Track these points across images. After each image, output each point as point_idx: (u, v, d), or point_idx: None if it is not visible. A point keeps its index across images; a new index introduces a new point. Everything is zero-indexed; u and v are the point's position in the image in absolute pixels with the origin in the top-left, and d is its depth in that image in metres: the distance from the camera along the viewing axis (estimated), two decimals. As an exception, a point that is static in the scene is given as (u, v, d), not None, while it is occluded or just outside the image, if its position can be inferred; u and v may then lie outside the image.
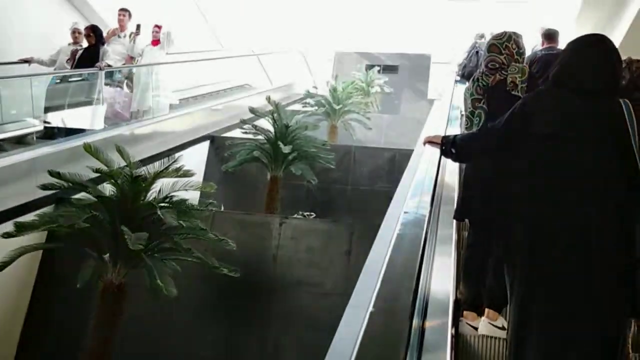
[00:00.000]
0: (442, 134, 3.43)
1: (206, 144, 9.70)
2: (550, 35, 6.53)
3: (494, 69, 3.54)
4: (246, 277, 5.07)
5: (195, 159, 10.03)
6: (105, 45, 8.59)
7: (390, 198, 2.86)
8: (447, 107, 7.68)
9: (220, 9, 16.94)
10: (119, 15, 8.97)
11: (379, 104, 14.54)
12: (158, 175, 4.48)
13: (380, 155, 9.45)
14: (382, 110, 14.64)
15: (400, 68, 16.43)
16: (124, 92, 8.89)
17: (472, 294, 3.24)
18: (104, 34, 8.82)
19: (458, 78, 9.58)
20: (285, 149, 7.00)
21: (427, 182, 3.07)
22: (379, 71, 15.17)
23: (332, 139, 11.02)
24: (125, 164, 4.86)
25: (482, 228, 3.28)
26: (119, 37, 8.93)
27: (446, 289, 2.47)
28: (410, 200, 2.73)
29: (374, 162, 9.19)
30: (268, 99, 7.83)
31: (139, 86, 8.77)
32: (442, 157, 3.10)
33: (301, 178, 7.73)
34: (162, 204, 4.46)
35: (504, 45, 3.55)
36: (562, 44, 6.51)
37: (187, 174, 4.54)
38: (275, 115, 7.49)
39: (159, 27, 8.82)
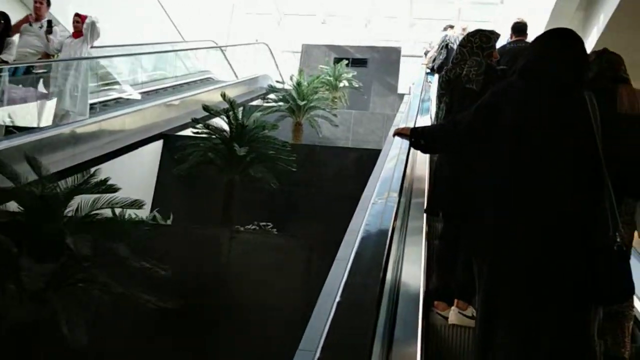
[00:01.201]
0: (412, 126, 3.60)
1: (159, 144, 8.94)
2: (518, 28, 6.49)
3: (455, 63, 3.61)
4: (190, 302, 4.40)
5: (146, 160, 9.33)
6: (15, 37, 7.25)
7: (357, 201, 2.89)
8: (417, 100, 7.41)
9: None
10: (35, 2, 7.51)
11: (347, 99, 13.96)
12: (73, 192, 3.74)
13: (347, 155, 8.86)
14: (351, 105, 14.06)
15: (369, 61, 15.81)
16: (39, 93, 7.49)
17: (443, 285, 3.25)
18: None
19: (428, 71, 9.32)
20: (241, 151, 6.35)
21: (396, 175, 3.12)
22: (347, 65, 14.55)
23: (296, 137, 10.38)
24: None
25: (452, 221, 3.30)
26: (31, 26, 7.37)
27: (417, 279, 2.52)
28: (378, 192, 2.80)
29: (340, 163, 8.58)
30: (223, 95, 7.14)
31: (59, 85, 7.33)
32: (412, 148, 3.13)
33: (262, 180, 7.10)
34: (85, 224, 3.73)
35: (468, 39, 3.64)
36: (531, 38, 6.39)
37: (111, 188, 3.83)
38: (231, 113, 6.79)
39: (81, 16, 7.46)
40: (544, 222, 2.14)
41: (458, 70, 3.55)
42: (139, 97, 10.26)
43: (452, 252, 3.22)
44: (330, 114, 10.54)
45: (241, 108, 12.29)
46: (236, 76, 16.86)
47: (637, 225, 2.98)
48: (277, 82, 11.78)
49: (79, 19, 7.42)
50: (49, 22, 7.41)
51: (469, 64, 3.47)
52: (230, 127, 6.95)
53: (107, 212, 4.09)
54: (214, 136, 7.02)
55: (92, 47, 7.62)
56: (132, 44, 11.74)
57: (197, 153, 7.02)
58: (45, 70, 7.43)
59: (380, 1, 19.88)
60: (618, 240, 2.11)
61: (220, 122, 7.98)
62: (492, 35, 3.72)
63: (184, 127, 9.35)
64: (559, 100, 2.29)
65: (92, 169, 4.25)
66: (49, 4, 7.58)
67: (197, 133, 7.18)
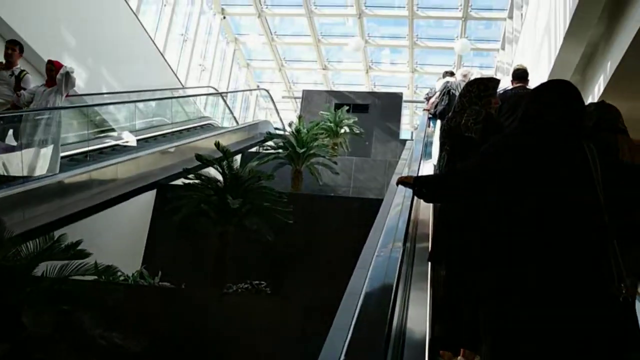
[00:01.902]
0: (416, 174, 3.66)
1: (153, 193, 8.64)
2: (519, 75, 6.49)
3: (456, 112, 3.66)
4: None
5: (140, 210, 9.02)
6: None
7: (358, 253, 2.85)
8: (419, 145, 7.27)
9: (182, 47, 16.09)
10: (7, 49, 7.00)
11: (348, 145, 13.71)
12: (37, 259, 3.39)
13: (347, 205, 8.54)
14: (352, 151, 13.81)
15: (370, 107, 15.63)
16: (5, 145, 6.81)
17: (448, 333, 3.19)
18: None
19: (430, 116, 9.24)
20: (235, 203, 6.03)
21: (400, 224, 3.07)
22: (348, 110, 14.38)
23: (295, 186, 10.08)
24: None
25: (455, 269, 3.26)
26: (2, 73, 6.91)
27: (422, 327, 2.48)
28: (382, 242, 2.76)
29: (340, 213, 8.25)
30: (217, 144, 6.85)
31: (28, 138, 6.68)
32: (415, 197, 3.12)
33: (257, 233, 6.76)
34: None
35: (467, 89, 3.69)
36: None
37: (82, 254, 3.49)
38: (224, 163, 6.50)
39: (55, 64, 6.92)
40: (552, 271, 2.10)
41: (458, 119, 3.57)
42: (135, 144, 10.06)
43: (457, 299, 3.16)
44: (331, 161, 10.26)
45: (239, 155, 12.16)
46: (237, 122, 16.78)
47: None
48: (276, 129, 11.54)
49: (52, 67, 6.92)
50: (18, 75, 6.95)
51: (468, 113, 3.47)
52: (224, 178, 6.65)
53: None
54: (208, 186, 6.70)
55: (67, 96, 7.14)
56: (131, 90, 11.60)
57: (190, 204, 6.70)
58: (15, 121, 6.85)
59: (381, 47, 19.92)
60: (624, 291, 2.07)
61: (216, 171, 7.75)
62: (490, 83, 3.77)
63: (180, 175, 9.07)
64: (558, 150, 2.29)
65: (57, 234, 3.89)
66: (21, 51, 7.12)
67: (189, 183, 6.88)
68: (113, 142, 9.58)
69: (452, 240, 3.21)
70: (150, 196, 8.67)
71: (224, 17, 17.84)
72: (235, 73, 20.65)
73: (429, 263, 3.31)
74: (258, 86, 21.93)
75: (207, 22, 17.80)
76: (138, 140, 10.21)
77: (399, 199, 3.67)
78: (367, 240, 3.28)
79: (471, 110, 3.49)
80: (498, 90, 7.65)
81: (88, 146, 7.86)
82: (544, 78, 9.01)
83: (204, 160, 6.81)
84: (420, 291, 2.88)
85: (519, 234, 2.18)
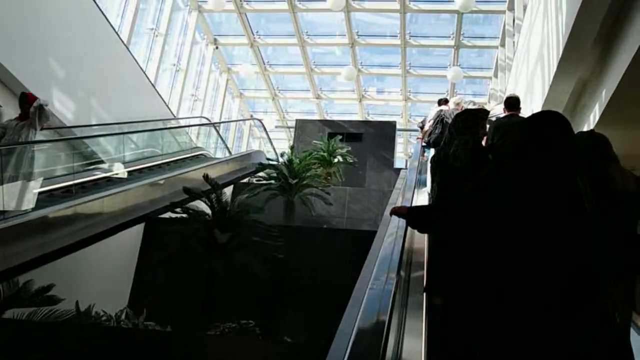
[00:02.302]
0: (409, 204, 3.72)
1: (141, 227, 8.42)
2: (510, 103, 6.46)
3: (446, 144, 3.69)
4: None
5: (127, 244, 8.78)
6: None
7: (351, 288, 2.79)
8: (413, 174, 7.23)
9: (174, 77, 16.02)
10: None
11: (342, 175, 13.55)
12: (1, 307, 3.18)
13: (340, 238, 8.33)
14: (346, 180, 13.64)
15: (364, 136, 15.54)
16: None
17: None
18: None
19: (424, 144, 9.13)
20: (222, 238, 5.83)
21: (394, 255, 3.02)
22: (341, 139, 14.27)
23: (287, 217, 9.88)
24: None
25: (449, 299, 3.21)
26: None
27: (417, 356, 2.47)
28: (376, 275, 2.70)
29: (333, 246, 8.03)
30: (205, 177, 6.67)
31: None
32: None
33: (247, 267, 6.54)
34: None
35: (456, 119, 3.75)
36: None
37: (51, 300, 3.27)
38: (213, 196, 6.31)
39: (28, 97, 6.68)
40: (546, 304, 2.08)
41: (447, 150, 3.61)
42: (125, 175, 9.86)
43: (453, 329, 3.09)
44: (324, 192, 10.07)
45: (231, 187, 11.97)
46: (229, 152, 16.64)
47: (636, 302, 2.93)
48: (269, 159, 11.37)
49: (25, 100, 6.67)
50: None
51: (456, 143, 3.49)
52: (212, 211, 6.45)
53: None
54: (196, 220, 6.49)
55: (41, 129, 6.87)
56: (121, 122, 11.44)
57: (177, 238, 6.49)
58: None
59: (374, 76, 19.93)
60: (617, 320, 2.09)
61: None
62: (479, 113, 3.89)
63: (168, 208, 8.86)
64: (549, 181, 2.28)
65: (22, 280, 3.68)
66: None
67: (177, 217, 6.67)
68: (101, 175, 9.41)
69: (446, 270, 3.18)
70: (138, 230, 8.43)
71: (217, 47, 17.83)
72: (228, 102, 20.60)
73: (424, 293, 3.29)
74: (251, 116, 21.88)
75: (199, 52, 17.78)
76: (128, 172, 10.05)
77: (392, 229, 3.58)
78: (361, 273, 3.23)
79: (459, 140, 3.51)
80: (491, 117, 7.39)
81: (74, 179, 7.65)
82: (538, 105, 8.92)
83: (192, 194, 6.61)
84: (415, 319, 2.85)
85: (510, 267, 2.17)
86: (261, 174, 10.69)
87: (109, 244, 7.78)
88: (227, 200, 6.61)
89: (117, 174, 9.93)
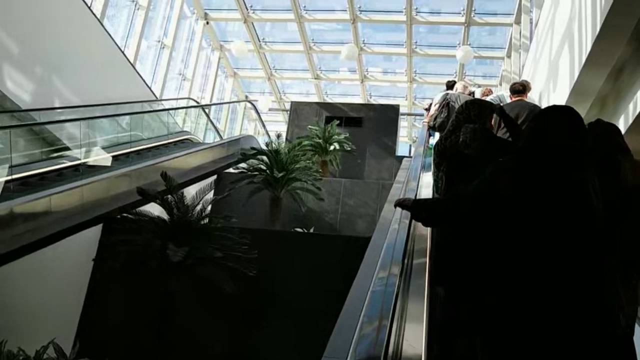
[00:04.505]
0: (413, 195, 4.19)
1: (98, 229, 7.25)
2: (517, 90, 6.54)
3: (451, 131, 3.60)
4: None
5: (82, 249, 7.61)
6: None
7: (342, 302, 2.50)
8: (418, 160, 6.79)
9: (159, 54, 14.74)
10: None
11: (338, 163, 12.36)
12: None
13: (333, 244, 7.15)
14: (343, 170, 12.47)
15: (364, 120, 14.28)
16: None
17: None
18: None
19: (430, 128, 8.81)
20: (176, 255, 4.65)
21: (395, 255, 2.90)
22: (339, 124, 13.04)
23: (273, 215, 8.70)
24: None
25: (454, 291, 3.07)
26: None
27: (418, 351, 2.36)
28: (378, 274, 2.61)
29: (324, 254, 6.84)
30: (164, 175, 5.46)
31: None
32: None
33: (215, 283, 5.38)
34: None
35: (466, 107, 3.62)
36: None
37: None
38: (169, 198, 5.12)
39: None
40: (551, 303, 2.04)
41: (454, 138, 3.52)
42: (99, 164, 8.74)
43: (455, 324, 3.00)
44: (314, 186, 8.86)
45: (213, 177, 10.78)
46: (220, 136, 15.41)
47: None
48: (252, 148, 10.10)
49: None
50: None
51: (463, 131, 3.36)
52: (170, 218, 5.26)
53: None
54: (151, 228, 5.31)
55: None
56: (91, 104, 10.23)
57: (130, 249, 5.32)
58: None
59: (377, 55, 18.58)
60: (622, 323, 2.06)
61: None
62: (492, 106, 3.77)
63: (136, 205, 7.66)
64: (561, 176, 2.26)
65: None
66: None
67: (133, 221, 5.49)
68: (58, 166, 8.25)
69: (450, 262, 3.08)
70: (95, 232, 7.24)
71: (207, 23, 16.49)
72: (221, 82, 19.31)
73: (425, 280, 3.11)
74: (246, 96, 20.60)
75: (189, 28, 16.47)
76: (93, 165, 8.88)
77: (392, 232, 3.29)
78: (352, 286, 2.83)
79: (465, 128, 3.39)
80: (492, 98, 7.59)
81: (11, 174, 6.47)
82: (564, 91, 7.67)
83: (148, 197, 5.41)
84: (417, 308, 2.75)
85: (519, 260, 2.13)
86: (240, 166, 9.46)
87: (58, 252, 6.63)
88: (188, 205, 5.37)
89: (85, 162, 8.84)
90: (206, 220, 5.43)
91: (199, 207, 5.29)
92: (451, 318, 3.09)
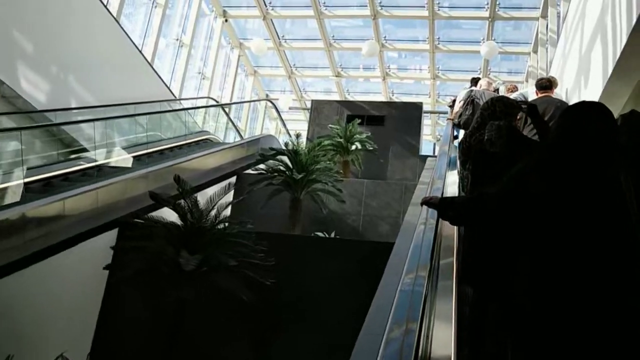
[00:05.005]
0: (439, 193, 3.87)
1: (114, 233, 7.05)
2: (542, 85, 6.46)
3: (476, 128, 3.57)
4: None
5: (98, 254, 7.42)
6: None
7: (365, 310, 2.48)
8: (444, 159, 6.46)
9: (178, 53, 14.58)
10: None
11: (360, 163, 12.05)
12: None
13: (356, 250, 6.85)
14: (365, 169, 12.15)
15: (386, 119, 13.92)
16: None
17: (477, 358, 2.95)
18: None
19: (455, 125, 8.59)
20: (188, 264, 4.41)
21: (423, 256, 2.65)
22: (361, 123, 12.71)
23: (292, 217, 8.43)
24: None
25: (483, 291, 3.03)
26: None
27: (448, 350, 2.34)
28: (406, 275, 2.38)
29: (345, 260, 6.54)
30: (177, 178, 5.22)
31: None
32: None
33: (230, 291, 5.13)
34: None
35: (492, 103, 3.57)
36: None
37: None
38: (183, 203, 4.88)
39: None
40: (584, 303, 2.00)
41: (478, 135, 3.48)
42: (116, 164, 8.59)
43: (484, 322, 2.96)
44: (335, 188, 8.56)
45: (234, 178, 10.55)
46: (241, 136, 15.19)
47: None
48: (271, 148, 9.83)
49: None
50: None
51: (488, 128, 3.31)
52: (184, 224, 5.02)
53: None
54: (164, 234, 5.07)
55: None
56: (108, 104, 10.06)
57: (143, 257, 5.09)
58: None
59: (399, 52, 18.20)
60: None
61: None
62: (520, 104, 3.71)
63: (149, 209, 7.45)
64: (592, 175, 2.20)
65: None
66: None
67: (150, 225, 5.25)
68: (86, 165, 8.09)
69: (479, 260, 3.04)
70: (111, 236, 7.04)
71: (226, 20, 16.29)
72: (241, 81, 19.10)
73: (454, 279, 3.06)
74: (267, 95, 20.38)
75: (207, 26, 16.28)
76: (112, 165, 8.73)
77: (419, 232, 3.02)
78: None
79: (490, 125, 3.32)
80: (517, 95, 7.46)
81: (23, 178, 6.28)
82: (597, 87, 7.26)
83: (161, 201, 5.17)
84: (445, 307, 2.69)
85: (550, 260, 2.08)
86: (259, 167, 9.20)
87: (71, 259, 6.44)
88: (202, 209, 5.12)
89: (104, 163, 8.68)
90: (222, 226, 5.16)
91: (213, 212, 5.01)
92: (480, 318, 3.06)
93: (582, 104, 2.47)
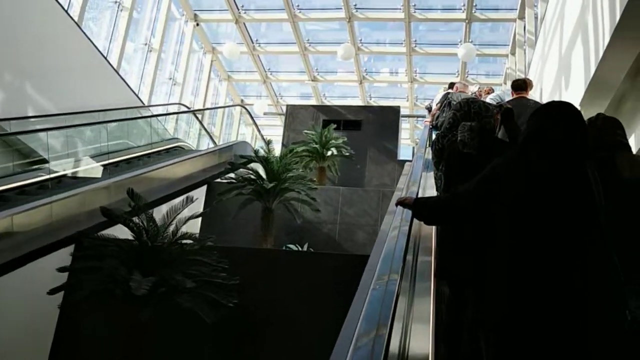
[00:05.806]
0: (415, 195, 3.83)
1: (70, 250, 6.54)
2: (517, 86, 6.48)
3: (448, 129, 3.55)
4: None
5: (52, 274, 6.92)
6: None
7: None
8: (420, 165, 6.29)
9: (146, 58, 14.07)
10: None
11: (337, 169, 11.67)
12: None
13: (330, 263, 6.46)
14: (342, 175, 11.77)
15: (364, 123, 13.57)
16: None
17: (451, 357, 2.97)
18: None
19: (432, 127, 8.49)
20: (140, 288, 3.97)
21: (397, 254, 2.62)
22: (337, 128, 12.34)
23: (265, 227, 8.00)
24: None
25: (457, 288, 3.11)
26: None
27: (425, 350, 2.40)
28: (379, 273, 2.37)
29: (319, 276, 6.14)
30: (130, 192, 4.78)
31: None
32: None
33: (193, 312, 4.70)
34: None
35: (467, 104, 3.51)
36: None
37: None
38: (137, 220, 4.43)
39: None
40: (553, 298, 2.03)
41: (451, 136, 3.48)
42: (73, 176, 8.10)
43: (460, 321, 2.97)
44: (309, 197, 8.16)
45: (204, 187, 10.11)
46: (214, 142, 14.73)
47: None
48: (242, 156, 9.38)
49: None
50: None
51: (461, 129, 3.29)
52: (139, 242, 4.57)
53: None
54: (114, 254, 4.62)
55: None
56: (70, 112, 9.55)
57: (94, 278, 4.63)
58: None
59: (376, 55, 17.89)
60: (629, 317, 2.03)
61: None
62: (498, 108, 3.71)
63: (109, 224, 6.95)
64: (561, 174, 2.23)
65: None
66: None
67: (92, 251, 4.79)
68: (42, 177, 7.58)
69: (452, 257, 3.04)
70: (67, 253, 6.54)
71: (197, 24, 15.83)
72: (215, 86, 18.63)
73: (432, 278, 3.07)
74: (242, 100, 19.92)
75: (178, 30, 15.80)
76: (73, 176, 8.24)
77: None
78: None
79: (463, 126, 3.30)
80: (494, 97, 7.45)
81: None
82: (580, 87, 6.98)
83: (113, 217, 4.72)
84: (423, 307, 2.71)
85: (521, 258, 2.11)
86: (229, 176, 8.77)
87: (21, 280, 5.94)
88: (159, 226, 4.68)
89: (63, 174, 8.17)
90: (185, 241, 4.74)
91: (171, 228, 4.58)
92: (456, 316, 3.08)
93: (551, 105, 2.50)
